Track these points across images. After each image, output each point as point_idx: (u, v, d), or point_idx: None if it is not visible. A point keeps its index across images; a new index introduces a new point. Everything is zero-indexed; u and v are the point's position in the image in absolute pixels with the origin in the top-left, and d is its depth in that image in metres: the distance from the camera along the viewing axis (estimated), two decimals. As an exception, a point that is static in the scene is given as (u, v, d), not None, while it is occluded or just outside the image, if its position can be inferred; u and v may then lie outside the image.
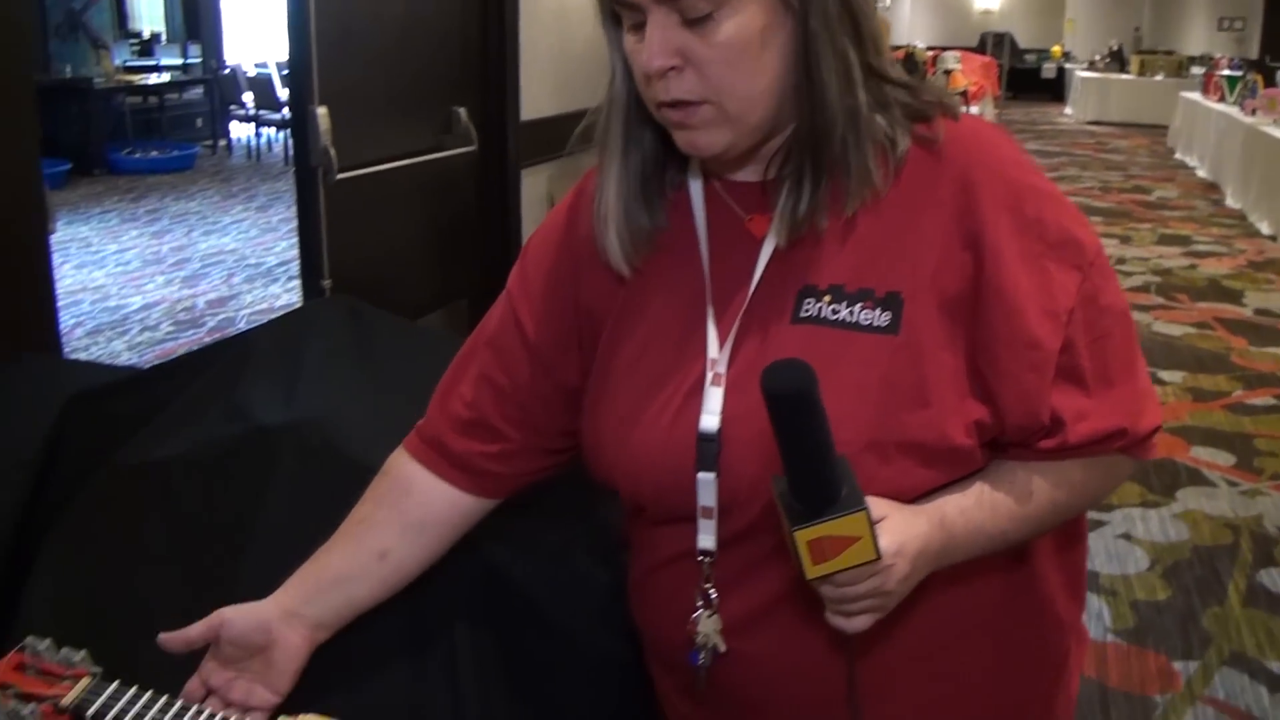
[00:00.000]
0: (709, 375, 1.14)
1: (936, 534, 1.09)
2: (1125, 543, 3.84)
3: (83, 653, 1.24)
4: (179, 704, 1.19)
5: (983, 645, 1.22)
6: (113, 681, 1.20)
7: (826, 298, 1.12)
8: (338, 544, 1.29)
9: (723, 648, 1.17)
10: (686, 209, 1.22)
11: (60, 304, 3.24)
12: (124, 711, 1.17)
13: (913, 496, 1.10)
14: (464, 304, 5.29)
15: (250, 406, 1.52)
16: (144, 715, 1.17)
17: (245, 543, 1.36)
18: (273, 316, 1.91)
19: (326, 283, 3.80)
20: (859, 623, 1.06)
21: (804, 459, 0.98)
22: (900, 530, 1.05)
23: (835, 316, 1.11)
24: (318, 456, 1.43)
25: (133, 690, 1.19)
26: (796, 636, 1.15)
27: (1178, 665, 3.13)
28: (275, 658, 1.23)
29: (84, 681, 1.21)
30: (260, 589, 1.29)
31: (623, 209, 1.19)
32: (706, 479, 1.13)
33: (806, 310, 1.13)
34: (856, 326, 1.11)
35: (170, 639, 1.22)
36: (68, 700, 1.19)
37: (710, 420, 1.12)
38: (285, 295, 6.77)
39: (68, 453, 1.69)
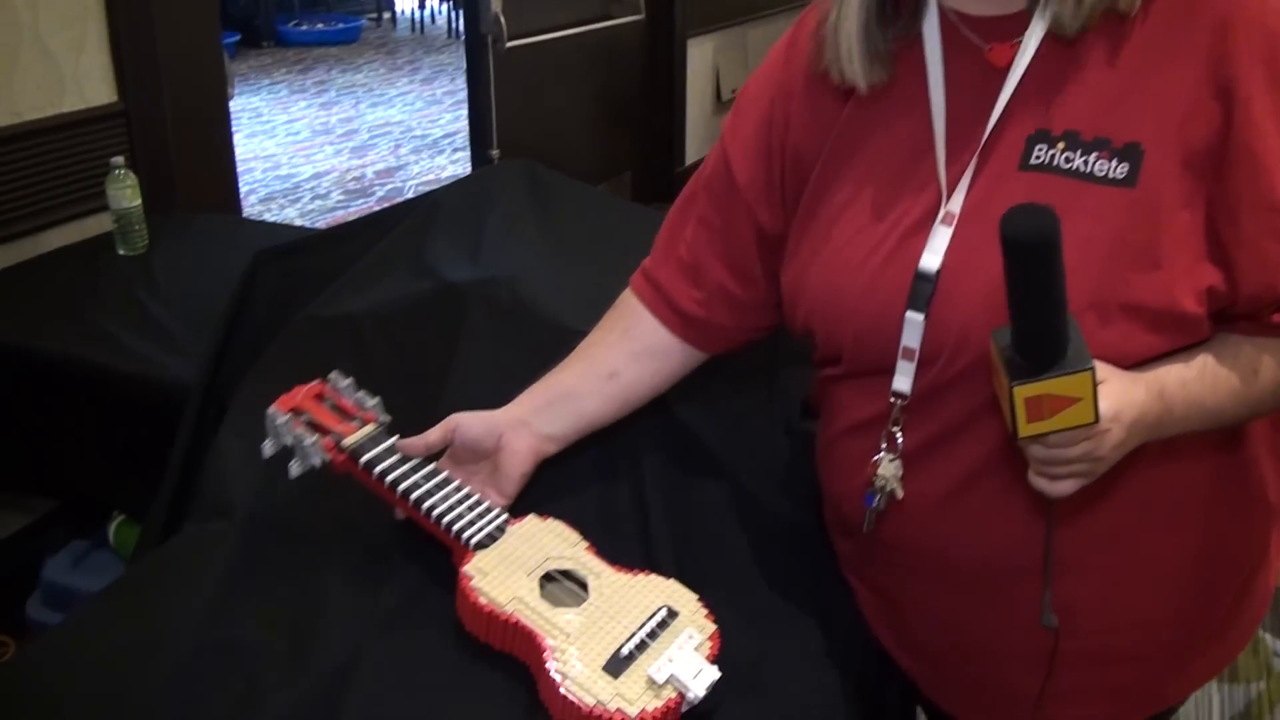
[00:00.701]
0: (940, 214, 1.10)
1: (1154, 404, 1.03)
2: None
3: (376, 399, 1.33)
4: (443, 475, 1.26)
5: (1186, 528, 1.16)
6: (393, 435, 1.28)
7: (1060, 144, 1.06)
8: (569, 364, 1.34)
9: (900, 494, 1.16)
10: (912, 53, 1.16)
11: (236, 169, 3.32)
12: (394, 467, 1.25)
13: (1132, 363, 1.04)
14: (627, 177, 5.27)
15: (438, 264, 1.54)
16: (410, 475, 1.24)
17: (435, 394, 1.38)
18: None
19: (495, 152, 3.82)
20: (1064, 486, 1.02)
21: (1036, 311, 0.93)
22: (1118, 396, 1.00)
23: (1068, 165, 1.05)
24: (506, 313, 1.44)
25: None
26: (988, 498, 1.12)
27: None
28: (503, 462, 1.28)
29: (369, 428, 1.29)
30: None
31: (863, 26, 1.14)
32: (915, 319, 1.09)
33: (1037, 157, 1.07)
34: (1090, 177, 1.04)
35: (410, 443, 1.28)
36: (349, 441, 1.27)
37: (932, 259, 1.08)
38: (451, 167, 6.81)
39: (257, 305, 1.76)
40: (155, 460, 1.73)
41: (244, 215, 3.54)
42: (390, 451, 1.26)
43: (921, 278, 1.09)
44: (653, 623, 1.12)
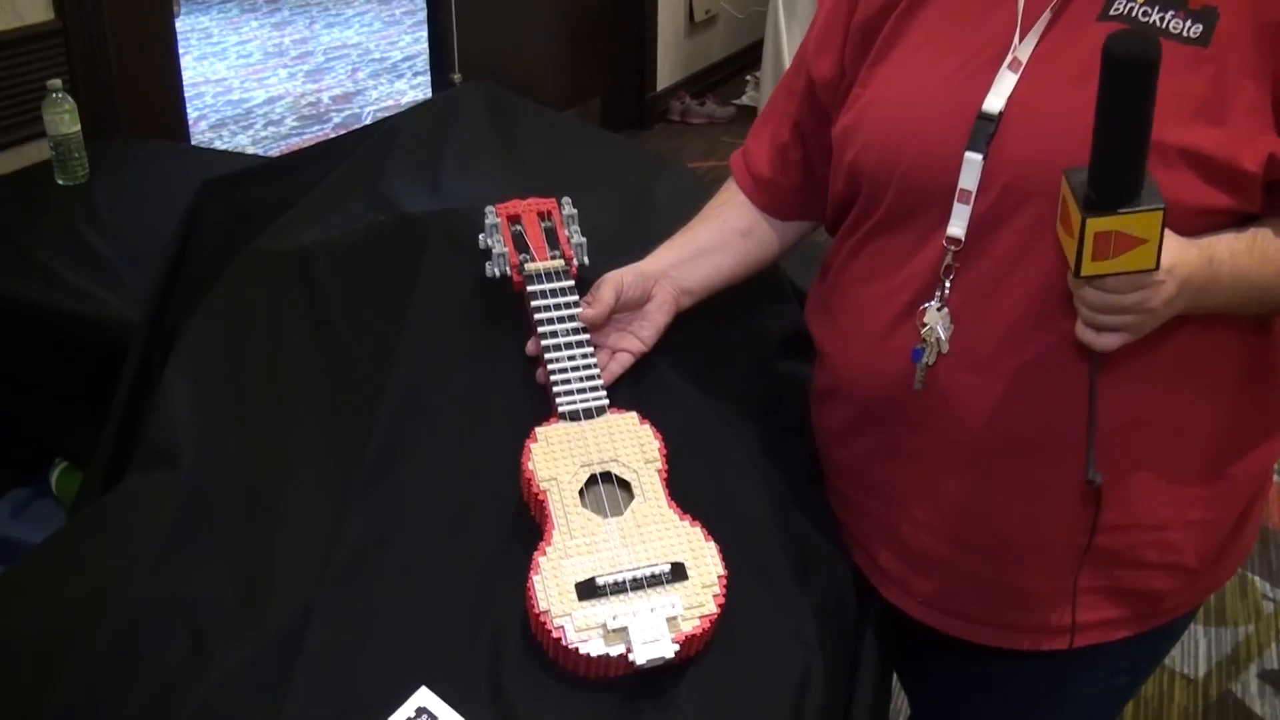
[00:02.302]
0: (1008, 58, 1.13)
1: (1204, 268, 1.07)
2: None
3: (582, 241, 1.38)
4: (584, 337, 1.28)
5: (1218, 411, 1.21)
6: (568, 281, 1.32)
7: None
8: (702, 223, 1.42)
9: (945, 348, 1.17)
10: None
11: (185, 94, 3.22)
12: (549, 308, 1.29)
13: (1187, 212, 1.07)
14: (596, 103, 5.16)
15: (395, 194, 1.48)
16: (556, 323, 1.28)
17: (394, 329, 1.33)
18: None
19: (456, 76, 3.72)
20: (1110, 340, 1.05)
21: (1123, 140, 0.95)
22: (1175, 252, 1.03)
23: (1145, 19, 1.09)
24: (468, 245, 1.38)
25: (568, 299, 1.31)
26: (1032, 358, 1.15)
27: (1342, 509, 3.04)
28: (650, 311, 1.36)
29: (558, 262, 1.34)
30: (412, 376, 1.29)
31: None
32: (974, 159, 1.13)
33: (1116, 9, 1.10)
34: (1165, 33, 1.08)
35: (588, 314, 1.30)
36: (530, 266, 1.33)
37: (996, 101, 1.12)
38: (412, 92, 6.67)
39: (204, 238, 1.70)
40: (99, 403, 1.67)
41: (193, 143, 3.45)
42: (558, 292, 1.30)
43: (984, 117, 1.12)
44: (651, 571, 1.09)
